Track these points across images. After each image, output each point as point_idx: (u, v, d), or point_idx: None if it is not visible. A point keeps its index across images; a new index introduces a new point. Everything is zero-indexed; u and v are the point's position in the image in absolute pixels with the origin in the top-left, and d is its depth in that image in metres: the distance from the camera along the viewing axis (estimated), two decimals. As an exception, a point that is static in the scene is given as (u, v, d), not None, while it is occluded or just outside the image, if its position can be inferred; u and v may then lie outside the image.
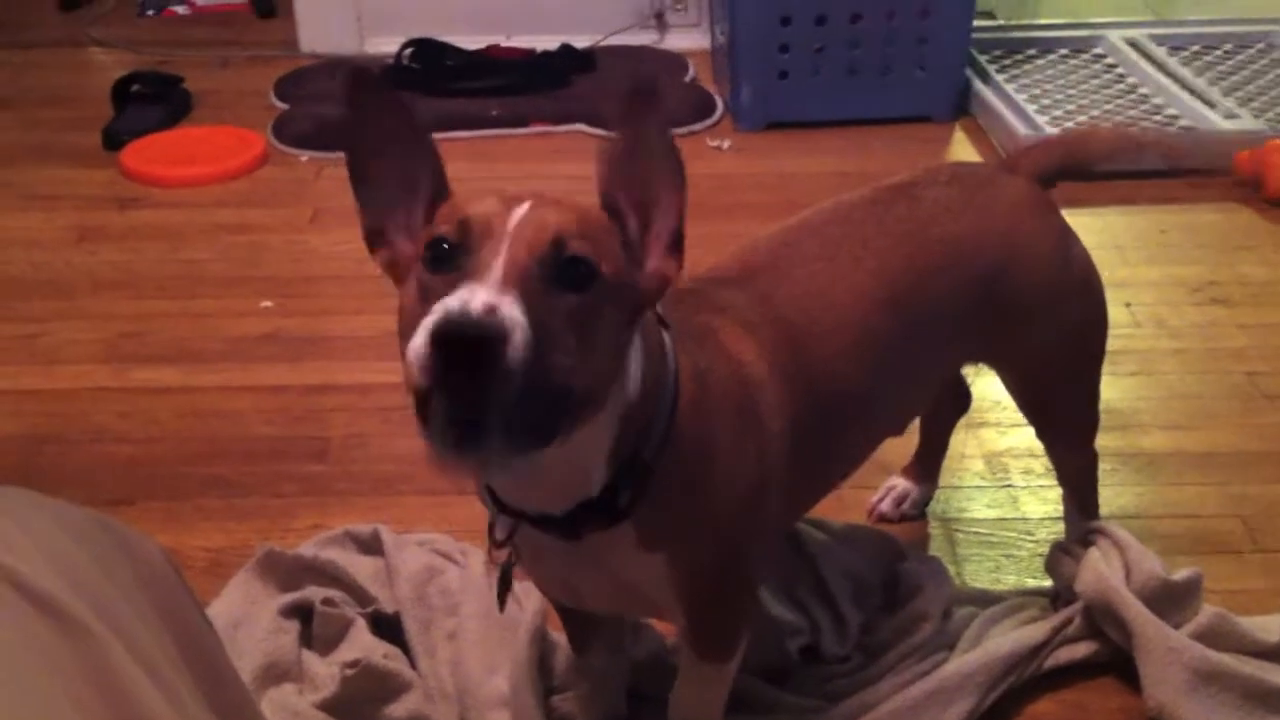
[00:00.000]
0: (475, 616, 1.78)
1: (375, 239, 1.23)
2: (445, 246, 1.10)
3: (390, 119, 1.19)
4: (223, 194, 3.26)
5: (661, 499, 1.28)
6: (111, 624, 0.87)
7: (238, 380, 2.48)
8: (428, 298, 1.07)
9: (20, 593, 0.84)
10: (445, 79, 3.77)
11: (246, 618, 1.80)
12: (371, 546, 1.93)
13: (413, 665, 1.75)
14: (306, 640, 1.78)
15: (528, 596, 1.76)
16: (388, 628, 1.81)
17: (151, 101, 3.66)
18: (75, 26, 4.42)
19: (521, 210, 1.10)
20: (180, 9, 4.58)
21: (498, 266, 1.04)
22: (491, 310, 0.99)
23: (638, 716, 1.71)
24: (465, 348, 0.98)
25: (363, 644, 1.74)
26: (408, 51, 3.86)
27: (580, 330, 1.08)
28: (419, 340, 0.99)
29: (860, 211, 1.61)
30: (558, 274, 1.08)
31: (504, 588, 1.41)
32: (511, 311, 1.00)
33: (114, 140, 3.47)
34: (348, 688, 1.67)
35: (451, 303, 1.00)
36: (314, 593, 1.81)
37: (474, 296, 1.00)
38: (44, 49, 4.25)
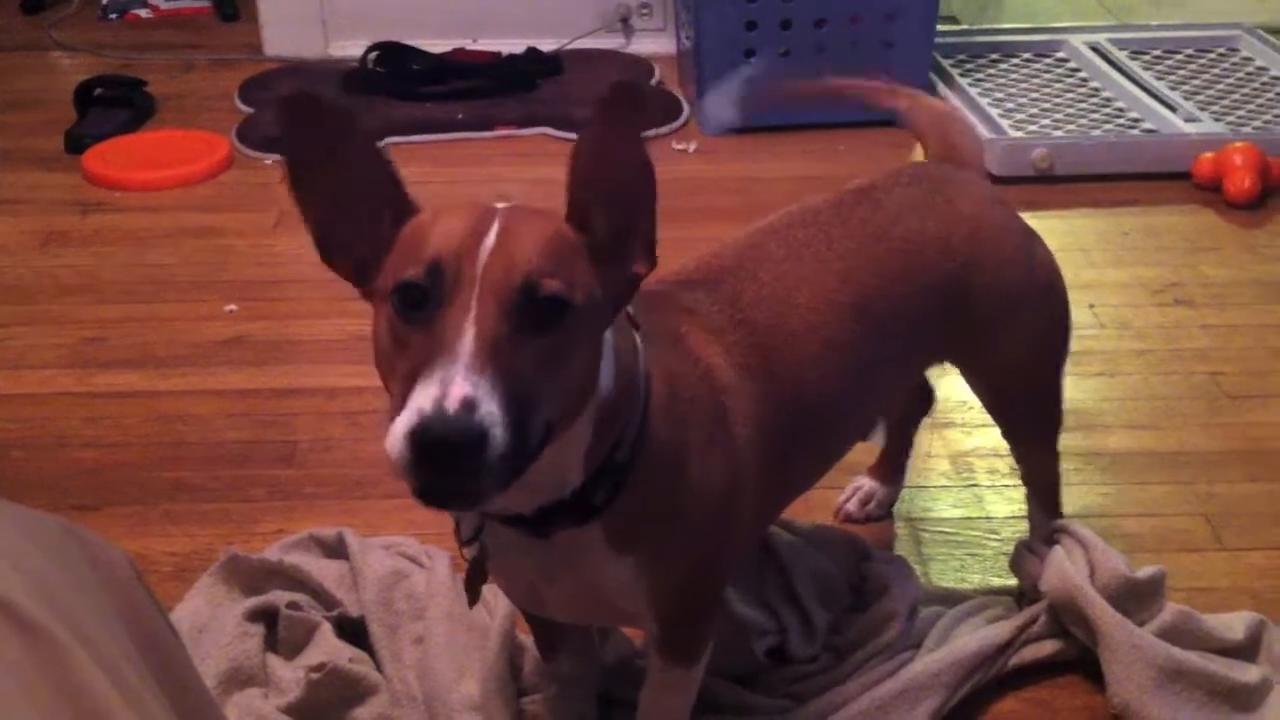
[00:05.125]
0: (442, 620, 1.77)
1: (331, 252, 1.21)
2: (415, 291, 1.10)
3: (334, 135, 1.16)
4: (187, 198, 3.23)
5: (632, 499, 1.28)
6: (75, 630, 0.87)
7: (203, 385, 2.47)
8: (401, 345, 1.10)
9: (-17, 599, 0.84)
10: (410, 83, 3.76)
11: (211, 622, 1.79)
12: (336, 550, 1.92)
13: (379, 669, 1.74)
14: (271, 644, 1.77)
15: (497, 600, 1.76)
16: (353, 632, 1.80)
17: (114, 105, 3.63)
18: (37, 30, 4.38)
19: (489, 244, 1.10)
20: (143, 12, 4.54)
21: (468, 334, 1.05)
22: (468, 406, 1.01)
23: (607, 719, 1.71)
24: (444, 452, 1.01)
25: (328, 648, 1.74)
26: (373, 55, 3.84)
27: (555, 366, 1.10)
28: (399, 444, 1.01)
29: (825, 215, 1.62)
30: (530, 319, 1.09)
31: (478, 581, 1.39)
32: (487, 406, 1.02)
33: (76, 144, 3.44)
34: (313, 691, 1.66)
35: (425, 404, 1.01)
36: (279, 597, 1.80)
37: (448, 391, 1.01)
38: (5, 52, 4.22)
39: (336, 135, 1.17)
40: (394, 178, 1.20)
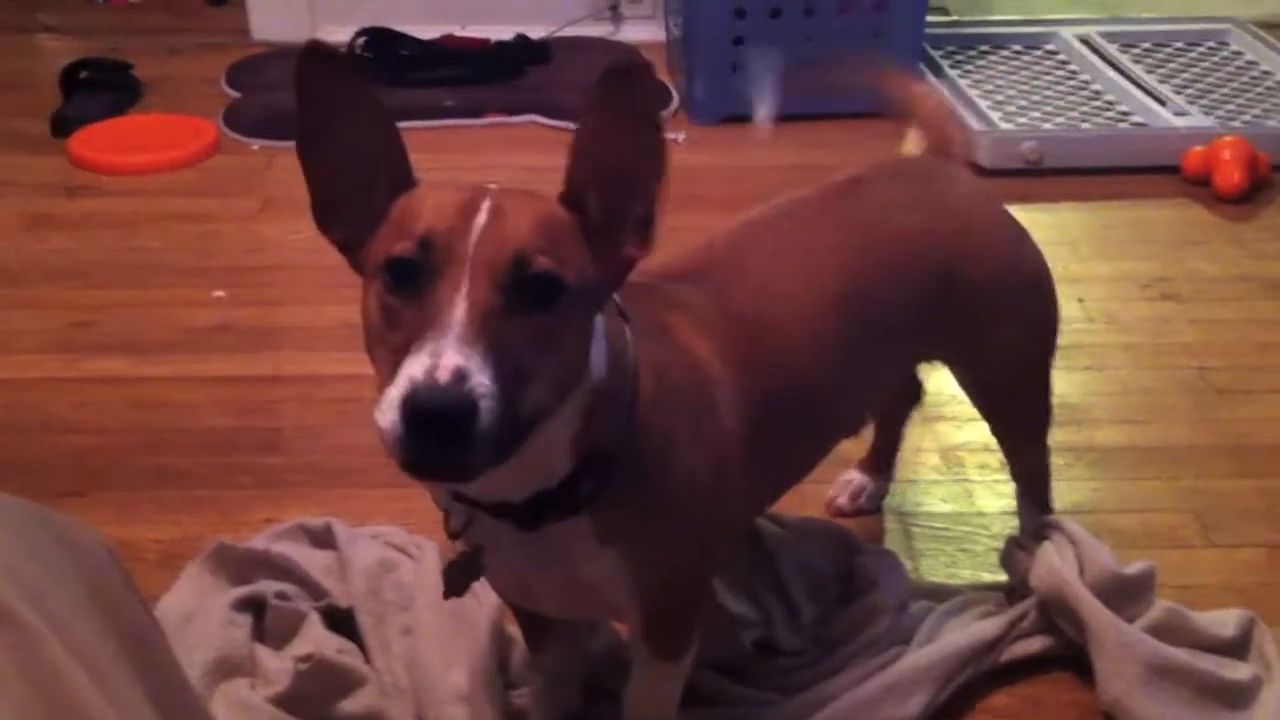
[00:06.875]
0: (430, 611, 1.77)
1: (326, 218, 1.21)
2: (406, 266, 1.09)
3: (347, 94, 1.16)
4: (173, 182, 3.22)
5: (619, 492, 1.28)
6: (47, 617, 0.86)
7: (189, 371, 2.45)
8: (391, 320, 1.09)
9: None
10: (399, 69, 3.73)
11: (198, 611, 1.78)
12: (324, 539, 1.92)
13: (367, 660, 1.74)
14: (259, 634, 1.76)
15: (485, 592, 1.75)
16: (341, 622, 1.79)
17: (101, 88, 3.61)
18: (24, 12, 4.35)
19: (481, 220, 1.10)
20: (130, -6, 4.52)
21: (460, 306, 1.05)
22: (459, 377, 1.01)
23: (593, 712, 1.70)
24: (436, 423, 1.00)
25: (316, 638, 1.73)
26: (361, 40, 3.82)
27: (546, 346, 1.10)
28: (390, 417, 1.01)
29: (812, 208, 1.62)
30: (521, 297, 1.08)
31: (469, 576, 1.38)
32: (479, 378, 1.02)
33: (62, 127, 3.42)
34: (301, 682, 1.65)
35: (417, 373, 1.01)
36: (266, 586, 1.80)
37: (439, 361, 1.01)
38: (-9, 34, 4.20)
39: (349, 93, 1.16)
40: (399, 145, 1.20)
